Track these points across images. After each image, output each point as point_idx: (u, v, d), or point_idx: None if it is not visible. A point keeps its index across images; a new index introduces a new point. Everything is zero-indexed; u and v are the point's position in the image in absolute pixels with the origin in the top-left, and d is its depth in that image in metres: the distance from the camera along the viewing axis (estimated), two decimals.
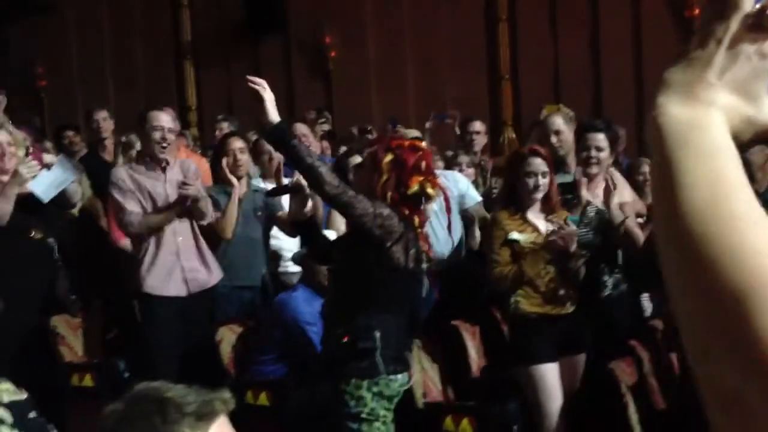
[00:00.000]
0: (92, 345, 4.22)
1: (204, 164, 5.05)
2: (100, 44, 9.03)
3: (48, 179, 3.80)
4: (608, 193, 3.45)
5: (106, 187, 4.00)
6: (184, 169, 3.89)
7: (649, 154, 0.61)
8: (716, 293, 0.52)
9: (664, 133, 0.59)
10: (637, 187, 4.68)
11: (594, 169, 3.55)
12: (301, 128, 4.84)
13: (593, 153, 3.52)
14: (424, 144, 2.74)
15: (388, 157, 2.55)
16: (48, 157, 4.04)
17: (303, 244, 2.79)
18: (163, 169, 3.80)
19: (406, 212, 2.57)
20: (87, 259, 4.46)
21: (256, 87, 2.50)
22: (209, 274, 3.82)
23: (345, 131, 6.06)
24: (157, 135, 3.72)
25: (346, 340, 2.49)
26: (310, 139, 4.77)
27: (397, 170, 2.54)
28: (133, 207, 3.73)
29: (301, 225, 2.79)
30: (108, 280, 4.48)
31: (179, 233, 3.76)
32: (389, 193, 2.54)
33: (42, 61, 9.00)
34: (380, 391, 2.52)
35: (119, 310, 4.27)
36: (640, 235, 3.59)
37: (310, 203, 2.70)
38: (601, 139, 3.52)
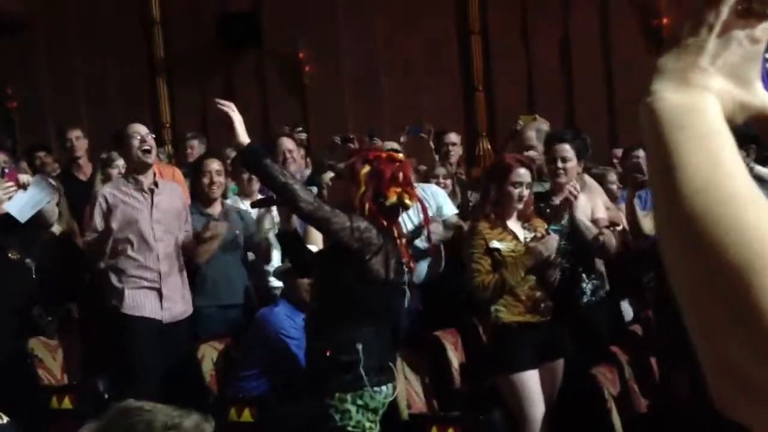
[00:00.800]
0: (71, 366, 4.16)
1: (178, 174, 5.03)
2: (71, 62, 8.95)
3: (24, 200, 3.76)
4: (570, 204, 3.47)
5: (82, 207, 3.97)
6: (174, 191, 3.91)
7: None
8: (719, 269, 0.54)
9: (660, 118, 0.60)
10: (608, 192, 4.75)
11: (562, 179, 3.59)
12: (286, 143, 4.80)
13: (559, 164, 3.57)
14: (401, 156, 2.75)
15: (366, 169, 2.57)
16: (24, 177, 4.00)
17: (287, 256, 2.79)
18: (151, 192, 3.79)
19: (385, 223, 2.57)
20: (65, 280, 4.41)
21: (225, 109, 2.51)
22: (184, 307, 3.84)
23: (327, 142, 6.05)
24: (136, 141, 3.73)
25: (328, 354, 2.48)
26: (295, 154, 4.74)
27: (375, 182, 2.55)
28: (93, 225, 3.75)
29: (286, 237, 2.79)
30: (86, 299, 4.43)
31: (163, 259, 3.76)
32: (367, 205, 2.54)
33: (11, 81, 8.91)
34: (365, 403, 2.52)
35: (98, 329, 4.22)
36: (613, 245, 3.63)
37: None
38: (566, 149, 3.57)
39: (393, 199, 2.56)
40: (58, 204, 4.19)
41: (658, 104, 0.61)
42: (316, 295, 2.68)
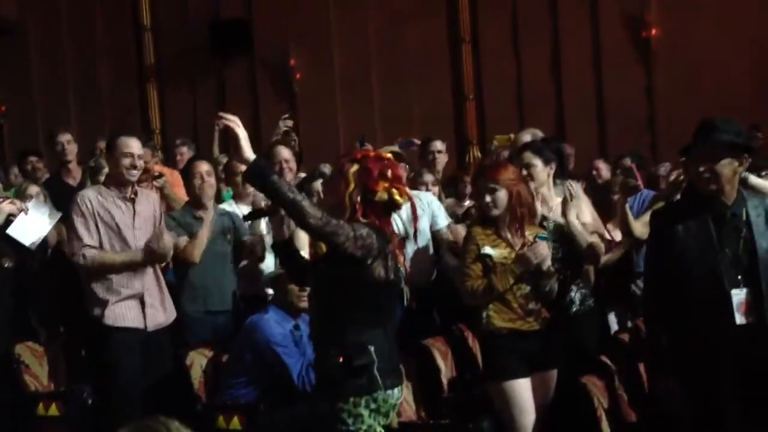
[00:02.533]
0: (57, 373, 4.13)
1: (177, 177, 5.01)
2: (62, 68, 8.92)
3: (25, 224, 3.76)
4: (565, 204, 3.52)
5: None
6: (153, 202, 3.87)
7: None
8: None
9: None
10: (609, 204, 4.76)
11: (531, 186, 3.64)
12: (283, 153, 4.79)
13: (523, 171, 3.61)
14: (389, 155, 2.74)
15: (354, 168, 2.57)
16: (19, 204, 3.92)
17: (281, 265, 2.78)
18: (132, 200, 3.78)
19: (377, 222, 2.56)
20: (54, 286, 4.38)
21: (230, 124, 2.49)
22: (165, 315, 3.83)
23: (317, 148, 6.04)
24: (126, 162, 3.71)
25: (341, 360, 2.48)
26: (291, 163, 4.73)
27: (363, 178, 2.55)
28: (89, 239, 3.68)
29: (279, 246, 2.78)
30: (73, 306, 4.40)
31: (147, 269, 3.75)
32: (357, 202, 2.53)
33: (2, 85, 8.87)
34: (378, 407, 2.53)
35: (84, 336, 4.19)
36: (602, 251, 3.65)
37: (288, 224, 2.69)
38: (529, 156, 3.63)
39: (382, 194, 2.55)
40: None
41: None
42: (319, 302, 2.63)
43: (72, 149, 5.41)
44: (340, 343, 2.50)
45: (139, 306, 3.71)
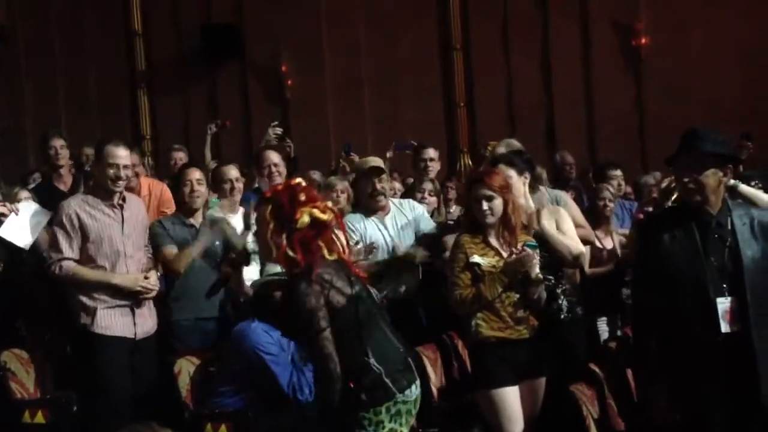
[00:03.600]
0: (44, 380, 4.10)
1: (166, 191, 5.00)
2: (52, 73, 8.90)
3: (17, 225, 3.74)
4: (539, 213, 3.54)
5: None
6: (138, 210, 3.86)
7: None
8: None
9: None
10: (598, 212, 4.77)
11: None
12: (272, 157, 4.76)
13: None
14: (297, 180, 2.73)
15: (267, 208, 2.57)
16: (11, 205, 3.92)
17: (255, 312, 2.71)
18: (121, 207, 3.75)
19: (311, 247, 2.53)
20: (44, 292, 4.36)
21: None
22: (152, 322, 3.82)
23: (310, 154, 6.05)
24: (111, 172, 3.68)
25: (352, 385, 2.49)
26: (281, 167, 4.71)
27: (279, 213, 2.55)
28: (68, 251, 3.65)
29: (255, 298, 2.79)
30: (61, 313, 4.38)
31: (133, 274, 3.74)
32: (281, 241, 2.53)
33: None
34: (398, 410, 2.54)
35: (71, 343, 4.17)
36: (581, 251, 3.66)
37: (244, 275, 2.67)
38: (503, 168, 3.63)
39: (304, 219, 2.54)
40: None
41: None
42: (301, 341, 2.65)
43: (64, 154, 5.40)
44: (342, 369, 2.50)
45: (129, 314, 3.69)
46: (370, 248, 3.77)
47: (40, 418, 3.74)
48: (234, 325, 3.61)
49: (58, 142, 5.38)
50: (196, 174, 4.18)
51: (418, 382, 2.66)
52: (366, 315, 2.58)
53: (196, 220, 4.12)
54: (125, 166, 3.72)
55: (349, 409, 2.51)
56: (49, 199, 4.73)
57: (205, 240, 3.91)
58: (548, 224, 3.57)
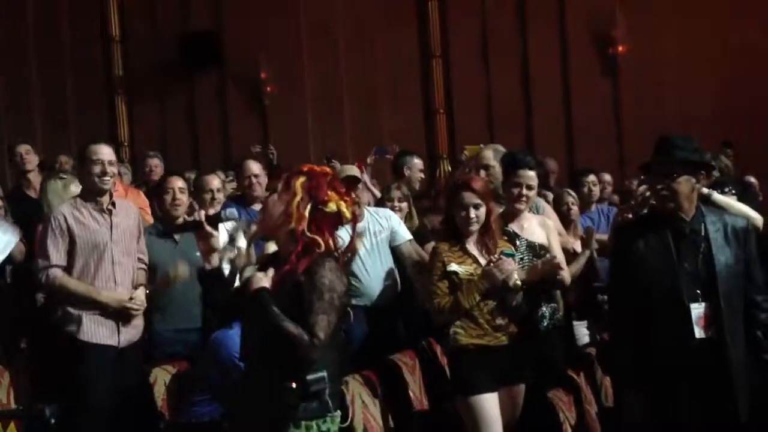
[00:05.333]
0: (19, 392, 4.04)
1: (143, 199, 4.96)
2: (29, 80, 8.81)
3: None
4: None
5: (31, 226, 3.87)
6: (131, 213, 3.83)
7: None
8: None
9: None
10: (562, 217, 4.81)
11: (522, 206, 3.62)
12: (253, 168, 4.72)
13: (524, 191, 3.59)
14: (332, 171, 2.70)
15: (301, 179, 2.51)
16: None
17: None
18: (110, 212, 3.71)
19: (326, 236, 2.51)
20: (19, 302, 4.30)
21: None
22: (136, 330, 3.77)
23: (289, 163, 6.04)
24: (96, 168, 3.62)
25: (294, 386, 2.41)
26: (261, 178, 4.67)
27: (313, 189, 2.49)
28: (56, 258, 3.60)
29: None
30: (37, 322, 4.32)
31: (120, 284, 3.70)
32: (304, 214, 2.46)
33: None
34: (327, 428, 2.49)
35: (49, 354, 4.12)
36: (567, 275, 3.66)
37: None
38: (532, 176, 3.59)
39: (332, 206, 2.49)
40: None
41: None
42: (260, 331, 2.50)
43: (30, 159, 5.36)
44: (290, 368, 2.42)
45: (114, 322, 3.64)
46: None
47: (12, 429, 3.68)
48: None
49: (23, 148, 5.36)
50: (178, 183, 4.13)
51: (345, 416, 2.60)
52: (335, 329, 2.56)
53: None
54: (110, 162, 3.66)
55: (282, 407, 2.44)
56: (20, 206, 4.68)
57: (185, 275, 3.83)
58: (540, 237, 3.58)
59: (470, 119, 7.88)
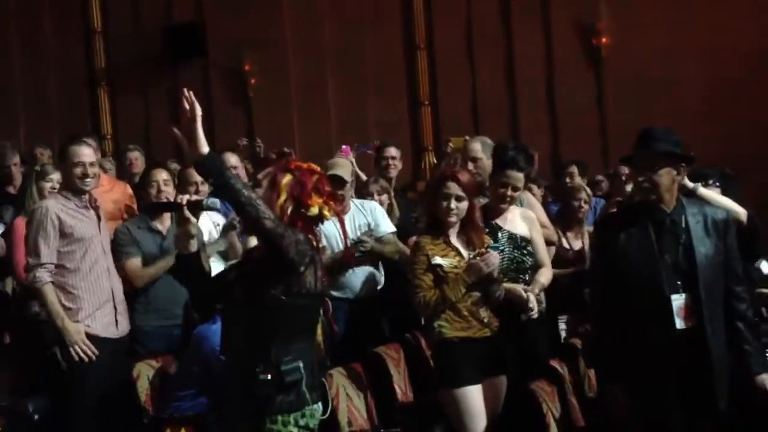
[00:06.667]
0: (2, 387, 4.02)
1: (128, 190, 4.93)
2: (11, 72, 8.71)
3: None
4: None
5: (9, 221, 3.84)
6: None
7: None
8: None
9: None
10: (572, 213, 4.80)
11: (505, 206, 3.63)
12: (231, 159, 4.72)
13: (509, 192, 3.60)
14: (320, 168, 2.69)
15: (287, 178, 2.51)
16: None
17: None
18: (96, 209, 3.71)
19: (306, 235, 2.52)
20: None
21: (195, 107, 2.41)
22: (127, 322, 3.77)
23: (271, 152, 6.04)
24: (78, 171, 3.63)
25: (270, 377, 2.40)
26: (240, 170, 4.68)
27: (296, 191, 2.50)
28: (47, 256, 3.57)
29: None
30: (18, 319, 4.29)
31: (112, 273, 3.70)
32: (287, 214, 2.48)
33: None
34: (306, 423, 2.48)
35: (32, 350, 4.09)
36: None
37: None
38: (519, 178, 3.60)
39: (315, 210, 2.50)
40: None
41: None
42: (238, 318, 2.49)
43: (10, 155, 5.32)
44: (266, 359, 2.41)
45: (111, 314, 3.64)
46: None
47: None
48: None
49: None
50: (162, 175, 4.12)
51: (325, 408, 2.57)
52: (313, 318, 2.55)
53: (163, 224, 4.05)
54: (91, 164, 3.67)
55: (258, 400, 2.42)
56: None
57: (172, 260, 3.82)
58: (522, 230, 3.58)
59: (455, 111, 7.88)
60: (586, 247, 4.74)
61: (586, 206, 4.84)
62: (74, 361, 3.53)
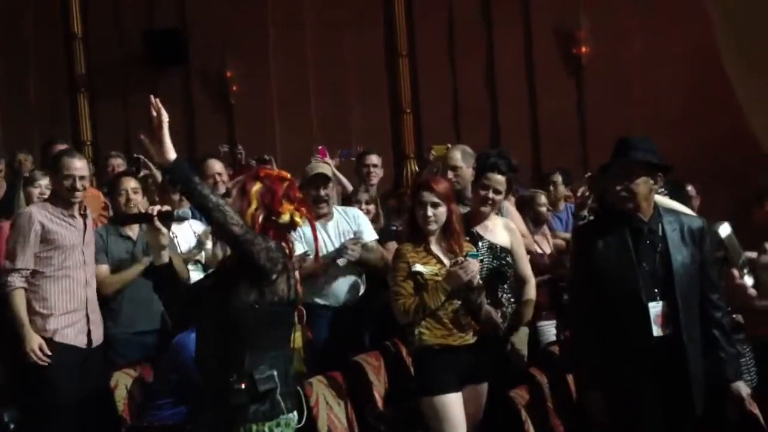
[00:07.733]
0: None
1: (101, 200, 4.90)
2: None
3: None
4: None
5: None
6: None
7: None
8: None
9: None
10: (538, 217, 4.85)
11: (487, 209, 3.64)
12: (215, 166, 4.69)
13: (491, 194, 3.61)
14: (289, 175, 2.68)
15: (257, 186, 2.50)
16: None
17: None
18: (83, 217, 3.72)
19: (281, 243, 2.51)
20: None
21: (161, 114, 2.41)
22: (101, 331, 3.76)
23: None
24: (68, 183, 3.66)
25: (244, 386, 2.38)
26: (224, 176, 4.65)
27: (267, 199, 2.49)
28: (21, 262, 3.57)
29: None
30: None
31: (90, 283, 3.71)
32: (258, 223, 2.47)
33: None
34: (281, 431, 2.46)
35: (7, 358, 4.04)
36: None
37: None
38: (500, 181, 3.62)
39: (286, 217, 2.49)
40: None
41: None
42: (211, 327, 2.47)
43: None
44: (239, 368, 2.39)
45: (83, 324, 3.64)
46: (303, 258, 3.74)
47: None
48: (173, 337, 3.55)
49: None
50: (131, 183, 4.13)
51: (300, 416, 2.54)
52: (287, 326, 2.54)
53: (132, 230, 4.04)
54: (81, 177, 3.69)
55: (232, 409, 2.40)
56: None
57: (142, 267, 3.82)
58: (503, 240, 3.60)
59: (436, 118, 7.90)
60: (550, 249, 4.83)
61: (542, 209, 4.94)
62: (38, 368, 3.51)
